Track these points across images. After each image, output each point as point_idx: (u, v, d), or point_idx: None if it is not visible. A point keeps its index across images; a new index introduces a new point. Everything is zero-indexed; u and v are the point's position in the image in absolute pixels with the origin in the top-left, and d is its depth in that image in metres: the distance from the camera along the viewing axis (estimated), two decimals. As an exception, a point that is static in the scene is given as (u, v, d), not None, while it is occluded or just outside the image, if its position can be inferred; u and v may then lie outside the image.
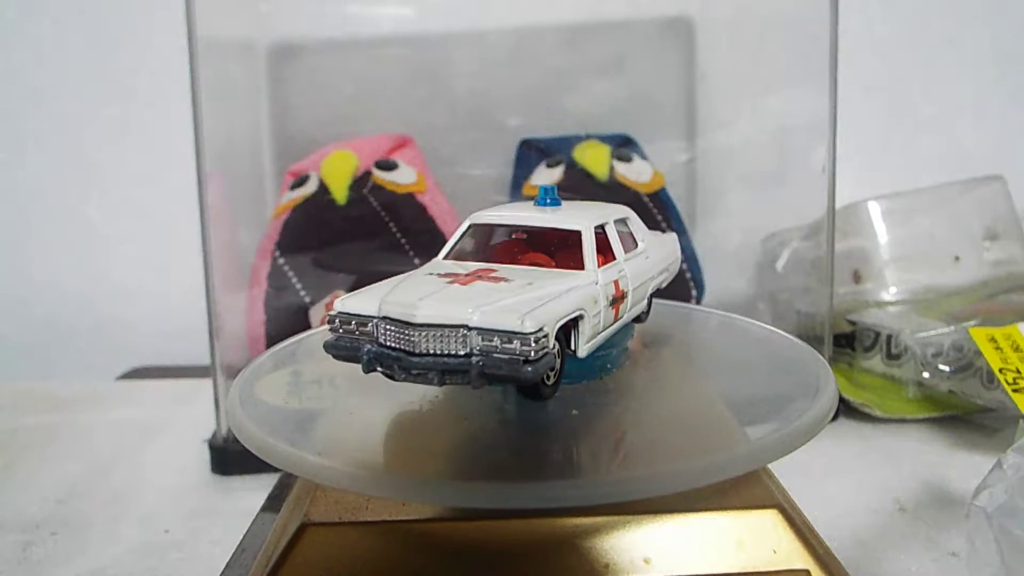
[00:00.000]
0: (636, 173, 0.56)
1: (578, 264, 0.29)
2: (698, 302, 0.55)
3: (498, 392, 0.28)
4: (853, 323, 0.55)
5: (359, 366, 0.26)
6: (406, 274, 0.29)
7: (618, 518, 0.26)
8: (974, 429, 0.49)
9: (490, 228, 0.32)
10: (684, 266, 0.54)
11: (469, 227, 0.32)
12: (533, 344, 0.23)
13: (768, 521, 0.26)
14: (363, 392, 0.31)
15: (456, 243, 0.31)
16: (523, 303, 0.25)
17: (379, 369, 0.25)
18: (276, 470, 0.25)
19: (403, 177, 0.55)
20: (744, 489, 0.28)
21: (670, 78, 0.65)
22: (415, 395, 0.30)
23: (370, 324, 0.26)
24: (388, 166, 0.55)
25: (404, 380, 0.25)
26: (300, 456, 0.24)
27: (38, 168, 0.72)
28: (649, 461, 0.25)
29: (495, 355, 0.24)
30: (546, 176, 0.56)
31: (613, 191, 0.54)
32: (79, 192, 0.72)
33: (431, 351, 0.24)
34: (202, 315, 0.47)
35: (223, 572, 0.32)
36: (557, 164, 0.56)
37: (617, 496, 0.22)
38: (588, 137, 0.58)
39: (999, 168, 0.61)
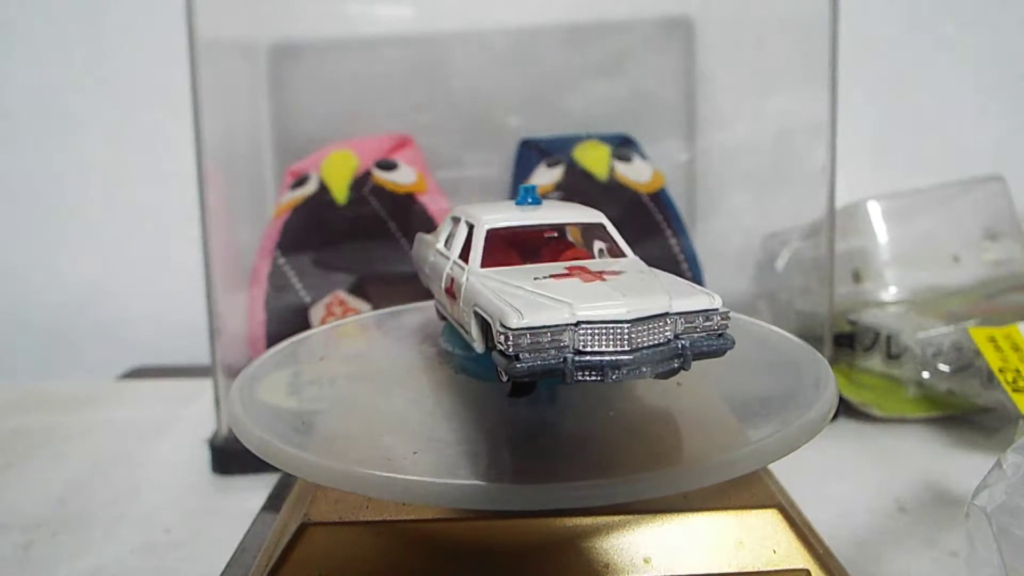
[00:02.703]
0: (636, 173, 0.56)
1: (617, 252, 0.30)
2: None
3: (499, 392, 0.28)
4: (853, 323, 0.55)
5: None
6: (513, 287, 0.27)
7: (618, 518, 0.26)
8: (974, 429, 0.49)
9: (510, 231, 0.31)
10: (684, 266, 0.54)
11: (488, 233, 0.30)
12: (725, 319, 0.25)
13: (768, 521, 0.26)
14: (363, 392, 0.31)
15: (484, 250, 0.30)
16: (683, 283, 0.26)
17: (583, 376, 0.24)
18: (276, 470, 0.25)
19: (403, 177, 0.55)
20: (744, 489, 0.28)
21: (670, 78, 0.65)
22: (416, 395, 0.30)
23: (564, 334, 0.24)
24: (388, 166, 0.55)
25: (616, 380, 0.24)
26: (300, 456, 0.24)
27: (38, 168, 0.72)
28: (649, 462, 0.25)
29: (696, 335, 0.25)
30: (546, 176, 0.56)
31: (613, 191, 0.54)
32: (79, 192, 0.72)
33: (644, 344, 0.25)
34: (202, 315, 0.48)
35: (223, 572, 0.32)
36: (557, 164, 0.56)
37: (618, 497, 0.22)
38: (588, 137, 0.58)
39: (999, 168, 0.61)
